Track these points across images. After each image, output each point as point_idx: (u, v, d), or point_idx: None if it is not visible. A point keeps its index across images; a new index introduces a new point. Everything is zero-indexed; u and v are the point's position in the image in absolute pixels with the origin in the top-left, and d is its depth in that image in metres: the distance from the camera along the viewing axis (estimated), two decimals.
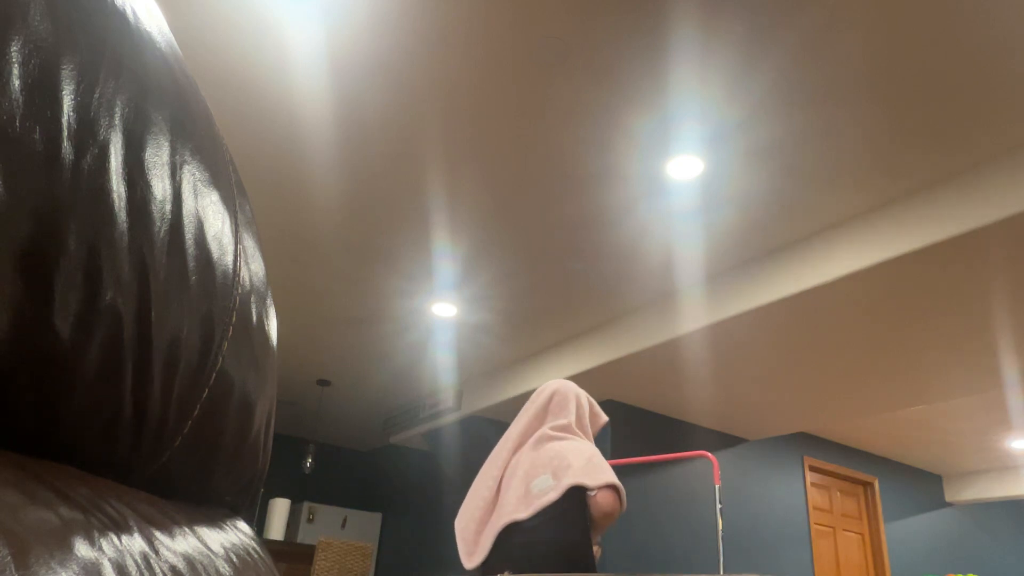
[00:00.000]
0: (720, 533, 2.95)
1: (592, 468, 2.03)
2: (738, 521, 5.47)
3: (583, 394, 2.28)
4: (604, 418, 2.31)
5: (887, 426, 6.15)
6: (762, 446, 5.90)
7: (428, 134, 2.94)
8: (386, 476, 7.64)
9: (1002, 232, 2.84)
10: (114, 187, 0.28)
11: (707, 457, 3.01)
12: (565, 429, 2.16)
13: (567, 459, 2.04)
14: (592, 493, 2.00)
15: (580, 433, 2.17)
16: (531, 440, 2.16)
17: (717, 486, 3.05)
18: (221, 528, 0.40)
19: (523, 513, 2.02)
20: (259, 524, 6.62)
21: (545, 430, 2.16)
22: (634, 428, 5.13)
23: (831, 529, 6.23)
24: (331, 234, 3.72)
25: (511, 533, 2.03)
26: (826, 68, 2.48)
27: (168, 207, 0.32)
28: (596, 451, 2.09)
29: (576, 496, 2.01)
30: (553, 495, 2.00)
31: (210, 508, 0.43)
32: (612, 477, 2.00)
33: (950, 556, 7.01)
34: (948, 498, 7.37)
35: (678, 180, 3.11)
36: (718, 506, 2.99)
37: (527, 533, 2.00)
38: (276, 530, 5.82)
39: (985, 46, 2.36)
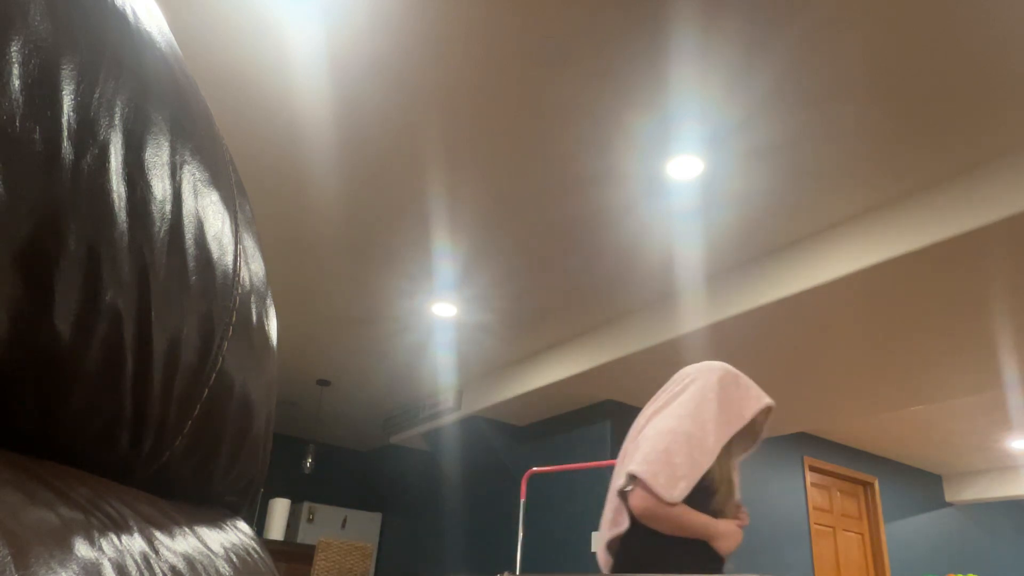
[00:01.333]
0: None
1: (631, 458, 1.70)
2: None
3: (718, 369, 1.88)
4: (761, 402, 1.86)
5: (887, 426, 6.15)
6: (762, 446, 5.90)
7: (428, 134, 2.94)
8: (386, 476, 7.64)
9: (1002, 232, 2.84)
10: (114, 187, 0.28)
11: None
12: (666, 406, 1.83)
13: (630, 452, 1.75)
14: (627, 489, 1.69)
15: (686, 409, 1.79)
16: (636, 431, 1.86)
17: None
18: (221, 528, 0.40)
19: (620, 527, 1.77)
20: (259, 524, 6.62)
21: (647, 416, 1.86)
22: None
23: (831, 529, 6.22)
24: (331, 234, 3.72)
25: (618, 547, 1.79)
26: (826, 68, 2.48)
27: (168, 207, 0.32)
28: (659, 431, 1.72)
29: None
30: (624, 506, 1.76)
31: (210, 508, 0.43)
32: (634, 465, 1.66)
33: (950, 556, 7.01)
34: (948, 498, 7.36)
35: (678, 180, 3.11)
36: None
37: (624, 548, 1.75)
38: (276, 530, 5.82)
39: (985, 46, 2.36)
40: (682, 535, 1.68)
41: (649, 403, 1.90)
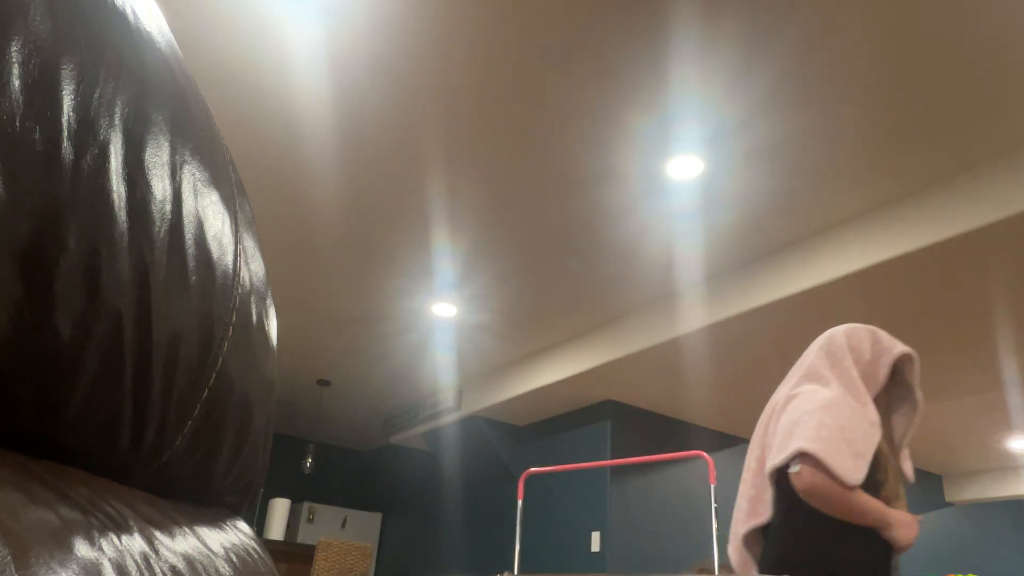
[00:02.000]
0: (715, 532, 2.95)
1: (789, 435, 1.49)
2: None
3: (844, 328, 1.66)
4: (893, 353, 1.61)
5: None
6: None
7: (428, 134, 2.94)
8: (386, 476, 7.64)
9: (1002, 232, 2.84)
10: (114, 187, 0.28)
11: (703, 457, 3.02)
12: (810, 379, 1.61)
13: (778, 431, 1.54)
14: (794, 470, 1.46)
15: (831, 379, 1.58)
16: (774, 411, 1.65)
17: (712, 486, 3.05)
18: (221, 528, 0.40)
19: (762, 516, 1.57)
20: (259, 524, 6.62)
21: (785, 392, 1.63)
22: (634, 428, 5.13)
23: None
24: (331, 234, 3.72)
25: (763, 540, 1.59)
26: (826, 68, 2.48)
27: (168, 207, 0.32)
28: (819, 404, 1.50)
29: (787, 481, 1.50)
30: (772, 491, 1.56)
31: (210, 508, 0.43)
32: (803, 441, 1.44)
33: (950, 556, 7.00)
34: (948, 498, 7.36)
35: (678, 180, 3.11)
36: (713, 506, 2.99)
37: (772, 540, 1.54)
38: (276, 530, 5.82)
39: (985, 46, 2.36)
40: (853, 521, 1.45)
41: (783, 383, 1.70)
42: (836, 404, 1.50)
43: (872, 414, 1.53)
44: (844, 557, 1.44)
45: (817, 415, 1.48)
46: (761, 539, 1.61)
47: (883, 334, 1.66)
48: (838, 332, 1.66)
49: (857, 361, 1.60)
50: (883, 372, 1.60)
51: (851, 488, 1.42)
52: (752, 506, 1.59)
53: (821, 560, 1.45)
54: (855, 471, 1.42)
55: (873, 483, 1.50)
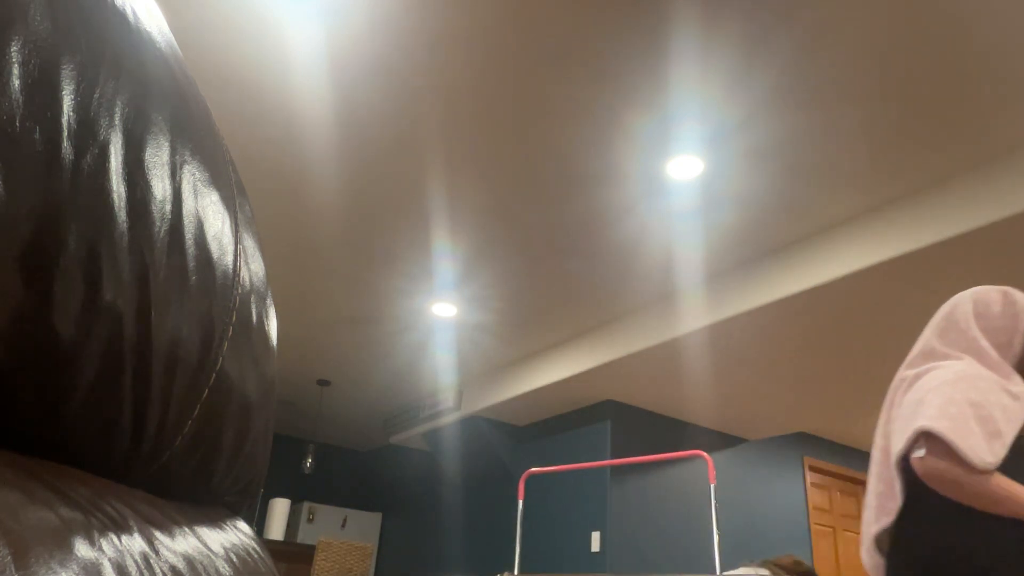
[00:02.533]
0: (715, 532, 2.95)
1: (913, 416, 1.32)
2: (738, 521, 5.47)
3: (970, 293, 1.47)
4: None
5: None
6: (762, 446, 5.90)
7: (428, 134, 2.94)
8: (386, 476, 7.64)
9: (1002, 232, 2.84)
10: (114, 187, 0.28)
11: (702, 456, 3.02)
12: (927, 357, 1.43)
13: (901, 415, 1.37)
14: (917, 454, 1.29)
15: (956, 353, 1.40)
16: (895, 394, 1.46)
17: (712, 485, 3.05)
18: (221, 528, 0.40)
19: (893, 514, 1.38)
20: (259, 524, 6.62)
21: (906, 372, 1.46)
22: (634, 428, 5.13)
23: (831, 529, 6.22)
24: (331, 234, 3.72)
25: (890, 542, 1.40)
26: (826, 68, 2.48)
27: (168, 207, 0.32)
28: (947, 378, 1.32)
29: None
30: (899, 482, 1.37)
31: (210, 508, 0.43)
32: (926, 420, 1.27)
33: None
34: None
35: (678, 180, 3.11)
36: (713, 505, 2.99)
37: (899, 539, 1.37)
38: (276, 530, 5.82)
39: (985, 46, 2.36)
40: (992, 510, 1.26)
41: (904, 363, 1.51)
42: (967, 377, 1.31)
43: (1017, 385, 1.33)
44: (983, 553, 1.25)
45: (944, 391, 1.30)
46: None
47: (1019, 295, 1.45)
48: (964, 298, 1.46)
49: (986, 329, 1.40)
50: (1020, 339, 1.40)
51: (983, 472, 1.24)
52: (881, 503, 1.41)
53: (955, 557, 1.27)
54: (989, 453, 1.23)
55: (1020, 468, 1.30)
